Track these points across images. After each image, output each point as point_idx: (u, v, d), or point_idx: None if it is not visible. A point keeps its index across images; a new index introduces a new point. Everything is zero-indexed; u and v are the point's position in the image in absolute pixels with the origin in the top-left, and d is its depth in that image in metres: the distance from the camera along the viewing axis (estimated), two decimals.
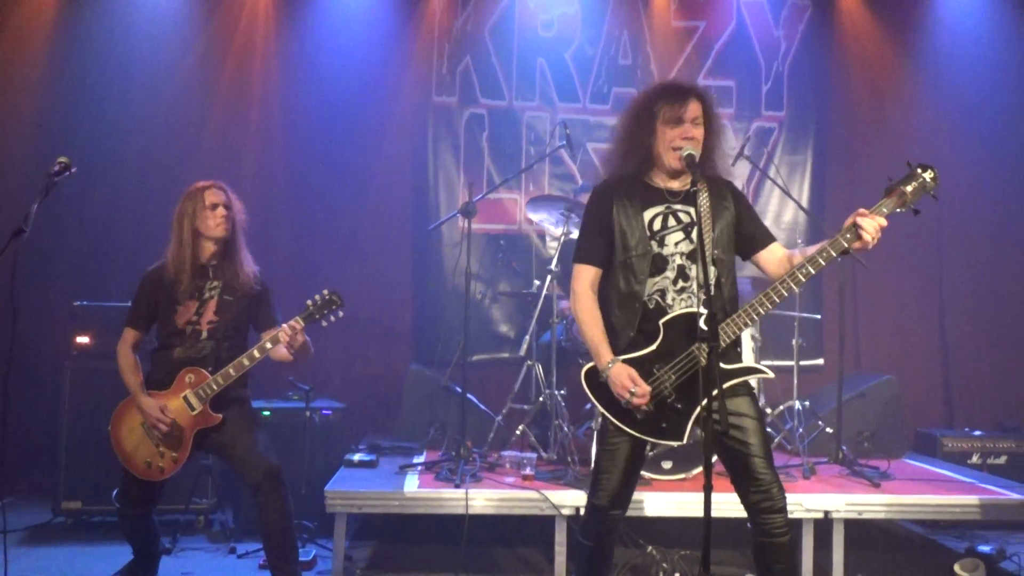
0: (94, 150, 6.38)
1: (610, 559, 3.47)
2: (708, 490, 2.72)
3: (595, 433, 5.18)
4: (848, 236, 3.00)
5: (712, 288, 2.94)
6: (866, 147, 7.26)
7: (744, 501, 3.13)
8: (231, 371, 3.91)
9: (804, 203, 6.99)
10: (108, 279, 6.34)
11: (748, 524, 3.16)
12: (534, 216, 5.85)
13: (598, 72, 7.14)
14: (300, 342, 3.94)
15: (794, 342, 5.86)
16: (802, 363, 5.93)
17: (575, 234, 5.53)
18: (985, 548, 5.01)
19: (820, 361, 7.00)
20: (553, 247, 5.71)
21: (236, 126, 6.81)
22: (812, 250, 3.10)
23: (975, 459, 6.04)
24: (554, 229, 5.77)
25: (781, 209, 7.15)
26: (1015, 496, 4.88)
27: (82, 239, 6.53)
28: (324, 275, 6.56)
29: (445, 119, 7.05)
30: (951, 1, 7.28)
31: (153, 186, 6.50)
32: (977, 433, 6.22)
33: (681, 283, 3.20)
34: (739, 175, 6.59)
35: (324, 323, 3.96)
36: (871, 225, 2.96)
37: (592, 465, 5.02)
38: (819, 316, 6.44)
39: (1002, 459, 6.04)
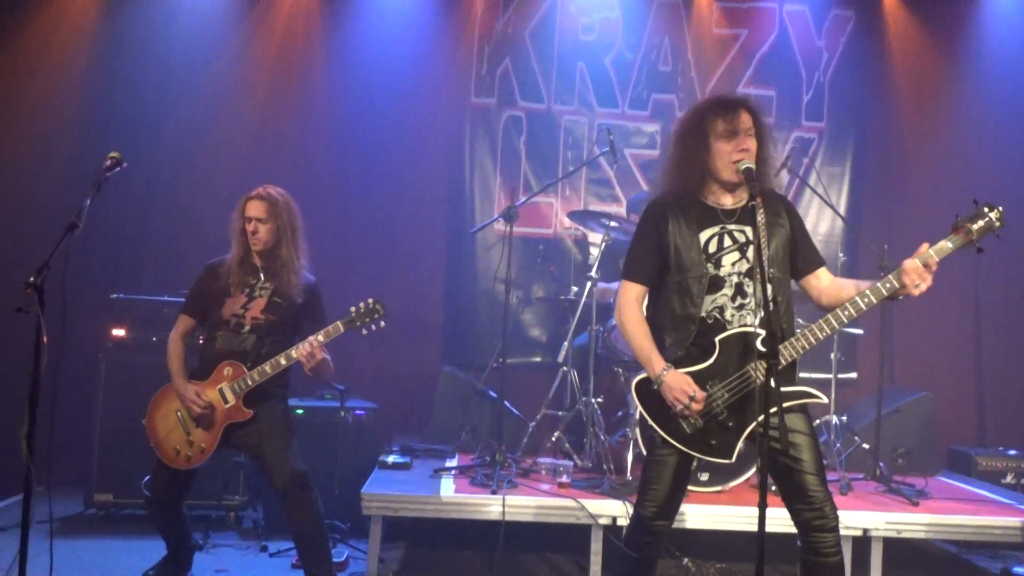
0: (132, 144, 6.33)
1: (654, 571, 3.43)
2: (763, 508, 2.71)
3: (630, 442, 5.15)
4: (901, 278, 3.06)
5: (771, 306, 2.89)
6: (906, 161, 7.18)
7: (795, 518, 3.09)
8: (267, 368, 3.95)
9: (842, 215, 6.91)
10: (144, 272, 6.36)
11: (797, 542, 3.11)
12: (573, 222, 5.80)
13: (638, 78, 7.08)
14: (318, 360, 3.93)
15: (832, 356, 5.81)
16: (837, 376, 5.87)
17: (616, 237, 5.49)
18: (1021, 570, 4.95)
19: (854, 375, 6.93)
20: (593, 253, 5.66)
21: (274, 125, 6.81)
22: (867, 284, 3.11)
23: (1009, 478, 5.95)
24: (595, 235, 5.73)
25: (818, 220, 7.06)
26: None
27: (119, 232, 6.54)
28: (357, 274, 6.57)
29: (483, 121, 7.02)
30: (1000, 14, 7.14)
31: (189, 180, 6.55)
32: (1012, 452, 6.11)
33: (740, 300, 3.17)
34: (777, 186, 6.54)
35: (364, 331, 4.00)
36: (911, 269, 3.04)
37: (627, 474, 5.03)
38: (861, 331, 6.33)
39: None
